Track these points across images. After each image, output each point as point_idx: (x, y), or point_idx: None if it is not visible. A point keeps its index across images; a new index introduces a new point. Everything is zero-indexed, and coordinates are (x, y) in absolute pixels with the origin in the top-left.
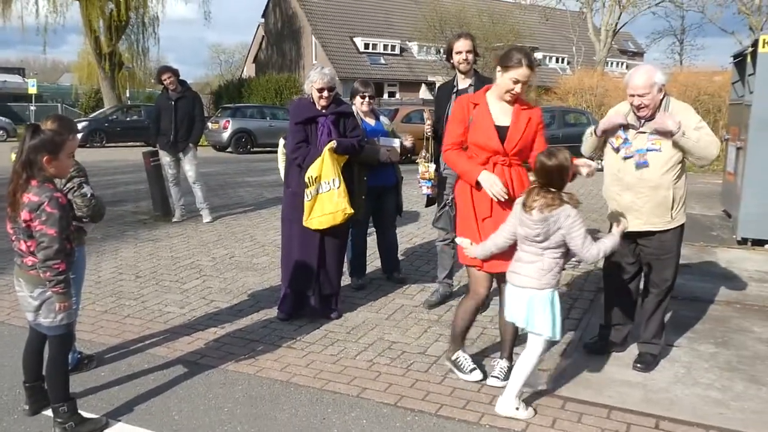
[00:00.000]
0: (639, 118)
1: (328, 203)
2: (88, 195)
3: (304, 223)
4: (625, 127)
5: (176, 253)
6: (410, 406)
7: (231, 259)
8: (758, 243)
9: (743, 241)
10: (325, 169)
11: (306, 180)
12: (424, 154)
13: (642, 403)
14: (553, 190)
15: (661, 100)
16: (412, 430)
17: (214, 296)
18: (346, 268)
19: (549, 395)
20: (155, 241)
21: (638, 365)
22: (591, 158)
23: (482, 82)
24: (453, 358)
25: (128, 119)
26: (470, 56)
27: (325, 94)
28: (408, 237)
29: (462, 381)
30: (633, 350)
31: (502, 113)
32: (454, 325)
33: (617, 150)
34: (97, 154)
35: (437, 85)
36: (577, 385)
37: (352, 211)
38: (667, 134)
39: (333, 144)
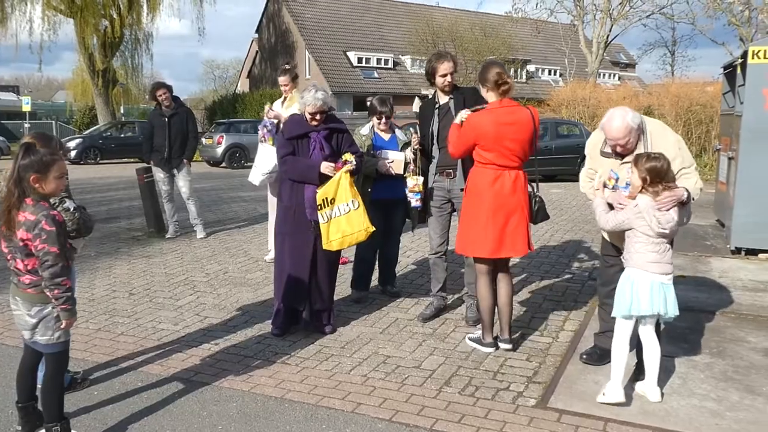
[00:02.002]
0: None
1: (346, 224)
2: (71, 209)
3: (324, 246)
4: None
5: (170, 269)
6: (405, 421)
7: (225, 274)
8: (752, 252)
9: (737, 251)
10: (341, 191)
11: (320, 202)
12: (412, 168)
13: (638, 414)
14: (665, 185)
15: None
16: None
17: (207, 312)
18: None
19: (544, 408)
20: (149, 258)
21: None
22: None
23: (461, 94)
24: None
25: (122, 136)
26: (453, 77)
27: (318, 117)
28: (402, 250)
29: (457, 394)
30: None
31: None
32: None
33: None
34: (91, 171)
35: (426, 99)
36: (572, 397)
37: (374, 228)
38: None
39: (351, 167)
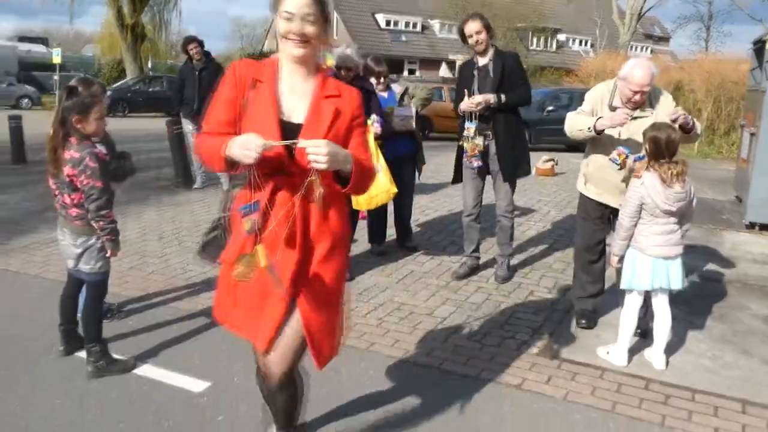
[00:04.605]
0: (633, 106)
1: (372, 187)
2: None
3: (354, 206)
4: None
5: (197, 217)
6: (415, 360)
7: None
8: (766, 228)
9: (751, 226)
10: None
11: None
12: (466, 134)
13: (634, 366)
14: (672, 160)
15: None
16: (416, 380)
17: None
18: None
19: (546, 356)
20: (177, 206)
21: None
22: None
23: (501, 57)
24: None
25: (150, 90)
26: (481, 36)
27: (342, 72)
28: (422, 209)
29: (465, 339)
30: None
31: (295, 101)
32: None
33: (623, 166)
34: (119, 124)
35: (458, 63)
36: (575, 348)
37: (396, 189)
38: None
39: (377, 131)
